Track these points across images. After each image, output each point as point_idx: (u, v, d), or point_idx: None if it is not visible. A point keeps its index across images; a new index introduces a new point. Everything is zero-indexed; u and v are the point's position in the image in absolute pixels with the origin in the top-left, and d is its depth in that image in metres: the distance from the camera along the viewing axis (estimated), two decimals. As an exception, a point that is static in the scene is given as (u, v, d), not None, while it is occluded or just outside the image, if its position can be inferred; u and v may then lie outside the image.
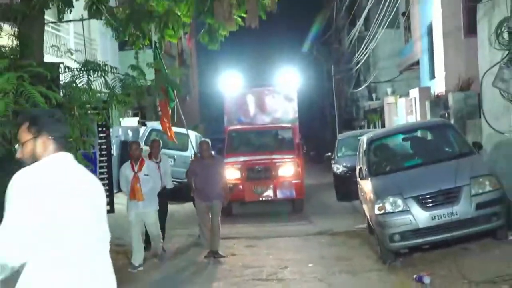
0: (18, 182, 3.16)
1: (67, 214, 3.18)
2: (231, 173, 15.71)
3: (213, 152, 12.38)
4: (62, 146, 3.41)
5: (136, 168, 10.08)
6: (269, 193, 16.24)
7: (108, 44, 23.38)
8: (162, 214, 11.17)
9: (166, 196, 11.50)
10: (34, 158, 3.30)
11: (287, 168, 16.53)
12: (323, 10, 47.40)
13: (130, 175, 10.09)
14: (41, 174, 3.22)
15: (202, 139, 12.35)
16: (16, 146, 3.40)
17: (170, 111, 13.51)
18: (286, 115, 18.81)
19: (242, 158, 16.72)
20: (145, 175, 10.02)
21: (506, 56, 6.46)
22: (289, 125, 18.35)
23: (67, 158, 3.40)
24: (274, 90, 19.21)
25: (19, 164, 3.38)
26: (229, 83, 19.17)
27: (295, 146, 17.63)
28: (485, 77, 10.26)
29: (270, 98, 19.02)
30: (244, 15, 12.52)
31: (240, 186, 16.19)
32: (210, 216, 10.96)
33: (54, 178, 3.24)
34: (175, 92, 12.99)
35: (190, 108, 33.81)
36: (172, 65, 27.54)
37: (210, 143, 11.42)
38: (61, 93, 8.98)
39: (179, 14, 12.29)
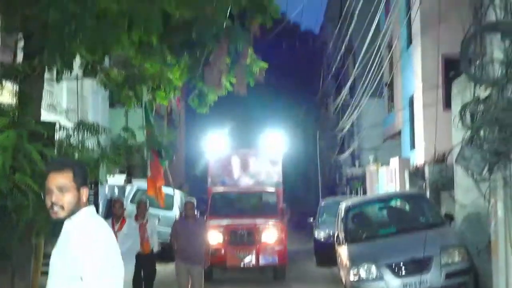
0: (104, 235, 3.45)
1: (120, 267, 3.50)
2: (213, 236, 15.39)
3: (198, 213, 12.74)
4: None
5: (116, 227, 9.88)
6: (252, 259, 15.77)
7: (99, 101, 23.93)
8: (150, 275, 11.23)
9: (153, 257, 11.52)
10: (72, 208, 3.44)
11: (270, 233, 16.16)
12: (311, 76, 48.61)
13: None
14: (108, 228, 3.54)
15: (188, 198, 12.23)
16: (55, 190, 3.42)
17: (162, 172, 13.76)
18: (270, 178, 18.63)
19: (224, 221, 16.34)
20: (124, 234, 9.82)
21: (468, 135, 7.03)
22: (273, 189, 18.12)
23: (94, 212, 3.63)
24: (259, 152, 19.18)
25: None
26: (214, 144, 19.10)
27: (279, 210, 17.35)
28: (456, 151, 10.84)
29: (255, 160, 18.85)
30: (233, 81, 13.16)
31: (222, 251, 15.75)
32: (189, 280, 10.85)
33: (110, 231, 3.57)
34: (163, 153, 13.39)
35: (176, 167, 34.19)
36: (161, 125, 28.13)
37: (195, 203, 11.51)
38: (55, 150, 9.44)
39: (171, 77, 12.91)
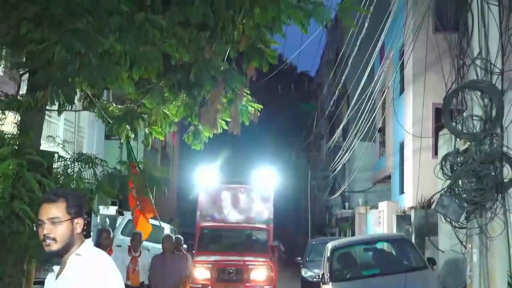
0: (113, 274, 3.40)
1: None
2: (201, 272, 15.35)
3: (184, 247, 12.92)
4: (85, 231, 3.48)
5: None
6: None
7: (95, 132, 24.31)
8: None
9: None
10: (66, 240, 3.34)
11: (260, 272, 15.86)
12: (305, 117, 49.17)
13: None
14: (113, 264, 3.49)
15: (166, 234, 12.27)
16: (46, 222, 3.36)
17: (151, 203, 13.98)
18: (260, 215, 18.17)
19: (213, 258, 16.12)
20: None
21: (447, 185, 7.45)
22: (264, 226, 17.76)
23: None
24: (250, 188, 18.61)
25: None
26: (204, 177, 18.61)
27: (269, 248, 17.04)
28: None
29: (246, 196, 18.37)
30: (228, 119, 13.56)
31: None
32: None
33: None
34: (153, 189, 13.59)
35: (168, 201, 34.41)
36: (155, 159, 28.47)
37: (173, 239, 11.55)
38: (53, 180, 9.76)
39: (168, 113, 13.30)
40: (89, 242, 3.48)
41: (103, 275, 3.34)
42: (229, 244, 17.47)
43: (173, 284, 10.65)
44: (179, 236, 12.98)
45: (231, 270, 15.76)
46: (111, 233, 10.32)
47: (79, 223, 3.39)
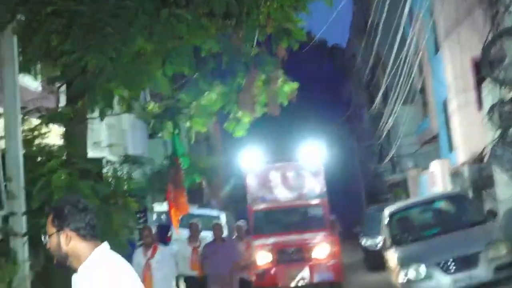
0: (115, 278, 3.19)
1: None
2: (260, 256, 14.63)
3: (245, 231, 12.83)
4: (91, 236, 3.25)
5: (148, 254, 9.42)
6: (305, 276, 14.92)
7: (138, 133, 24.58)
8: None
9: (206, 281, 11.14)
10: (57, 253, 3.22)
11: (322, 249, 15.27)
12: (343, 89, 48.85)
13: (142, 262, 9.36)
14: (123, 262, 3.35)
15: (215, 221, 12.10)
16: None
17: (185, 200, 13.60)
18: (313, 190, 17.37)
19: (271, 240, 15.58)
20: (157, 262, 9.31)
21: (497, 135, 7.29)
22: (318, 201, 17.12)
23: (106, 248, 3.34)
24: (298, 165, 17.88)
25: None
26: (250, 160, 17.90)
27: (328, 223, 16.41)
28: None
29: (295, 173, 17.59)
30: (266, 101, 13.56)
31: (272, 271, 14.99)
32: None
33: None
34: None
35: (219, 190, 34.63)
36: (200, 151, 28.64)
37: (222, 225, 11.57)
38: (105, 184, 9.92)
39: (206, 104, 13.36)
40: (96, 252, 3.24)
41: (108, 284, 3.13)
42: (285, 224, 16.82)
43: (227, 272, 10.38)
44: (239, 224, 12.73)
45: (291, 251, 15.28)
46: (153, 229, 9.81)
47: (67, 234, 3.18)
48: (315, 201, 17.17)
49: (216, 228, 10.94)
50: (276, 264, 15.03)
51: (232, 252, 10.71)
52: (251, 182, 17.79)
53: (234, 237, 12.34)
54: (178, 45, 9.41)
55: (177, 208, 13.49)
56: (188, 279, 11.38)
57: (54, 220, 3.21)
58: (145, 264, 9.19)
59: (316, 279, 14.94)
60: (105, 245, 3.34)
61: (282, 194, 17.43)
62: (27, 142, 9.39)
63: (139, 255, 9.42)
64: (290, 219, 17.06)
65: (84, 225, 3.23)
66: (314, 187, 17.45)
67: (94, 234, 3.28)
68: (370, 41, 25.73)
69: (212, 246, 10.84)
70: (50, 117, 9.99)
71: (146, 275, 9.04)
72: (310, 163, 17.69)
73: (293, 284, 14.94)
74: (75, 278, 3.25)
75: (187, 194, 13.24)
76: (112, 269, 3.20)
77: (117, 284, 3.14)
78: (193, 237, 11.45)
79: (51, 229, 3.22)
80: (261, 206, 17.29)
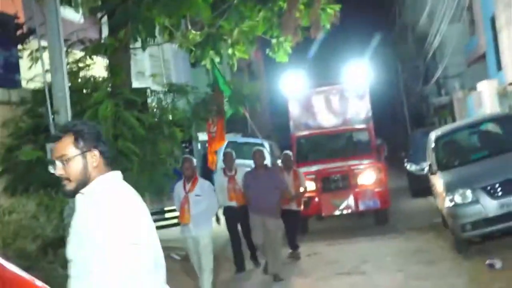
0: (130, 202, 2.95)
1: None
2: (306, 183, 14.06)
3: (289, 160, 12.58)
4: (108, 162, 3.05)
5: (187, 188, 8.92)
6: (350, 204, 14.26)
7: (180, 62, 24.62)
8: (248, 227, 10.36)
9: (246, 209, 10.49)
10: (80, 177, 2.96)
11: (368, 175, 14.55)
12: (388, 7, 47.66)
13: (181, 194, 8.98)
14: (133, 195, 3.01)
15: (256, 148, 10.99)
16: (57, 162, 2.98)
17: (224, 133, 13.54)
18: (358, 114, 16.49)
19: (314, 167, 14.86)
20: (196, 195, 8.80)
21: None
22: (364, 126, 16.33)
23: (120, 177, 3.08)
24: (342, 88, 16.73)
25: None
26: (292, 84, 16.84)
27: (374, 149, 15.77)
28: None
29: (339, 97, 16.65)
30: (308, 26, 13.32)
31: (316, 199, 14.28)
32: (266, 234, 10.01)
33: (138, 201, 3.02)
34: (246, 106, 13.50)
35: (262, 117, 34.71)
36: (242, 78, 28.58)
37: (264, 152, 10.80)
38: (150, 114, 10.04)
39: (248, 30, 13.20)
40: (107, 176, 2.99)
41: (107, 213, 2.87)
42: (329, 151, 16.10)
43: (273, 199, 9.92)
44: (287, 152, 12.28)
45: (336, 178, 14.54)
46: (194, 161, 9.04)
47: (95, 155, 2.95)
48: (360, 126, 16.35)
49: (257, 155, 10.31)
50: (321, 192, 14.29)
51: (275, 179, 10.20)
52: (294, 108, 16.89)
53: (280, 166, 11.99)
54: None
55: (213, 139, 13.35)
56: (226, 210, 10.82)
57: (77, 140, 2.94)
58: (184, 197, 8.84)
59: (361, 207, 14.32)
60: (119, 174, 3.07)
61: (326, 120, 16.55)
62: (73, 75, 9.51)
63: (179, 187, 9.05)
64: (334, 145, 16.39)
65: (107, 149, 3.06)
66: (359, 111, 16.53)
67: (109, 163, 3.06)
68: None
69: (253, 173, 10.35)
70: (93, 48, 10.08)
71: (183, 209, 8.77)
72: (354, 85, 16.58)
73: (337, 213, 14.48)
74: (80, 200, 3.01)
75: (230, 124, 13.09)
76: (124, 199, 2.93)
77: (126, 215, 2.87)
78: (228, 166, 10.87)
79: (71, 151, 2.94)
80: (304, 132, 16.51)
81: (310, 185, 13.81)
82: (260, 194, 9.85)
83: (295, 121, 16.75)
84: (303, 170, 13.72)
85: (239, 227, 10.88)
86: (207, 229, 8.85)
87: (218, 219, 10.44)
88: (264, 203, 9.83)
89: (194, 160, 9.10)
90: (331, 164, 14.86)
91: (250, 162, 19.18)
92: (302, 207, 12.12)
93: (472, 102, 21.89)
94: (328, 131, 16.37)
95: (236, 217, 10.68)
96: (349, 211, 14.39)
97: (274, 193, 9.94)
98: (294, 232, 11.89)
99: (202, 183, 8.97)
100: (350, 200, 14.21)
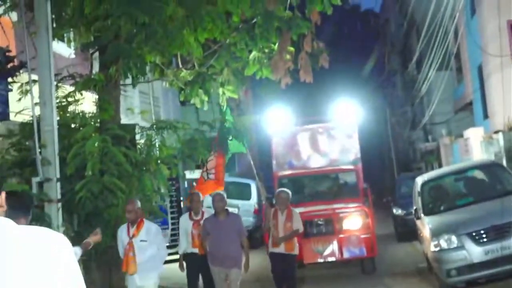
0: None
1: None
2: None
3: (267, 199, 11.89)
4: None
5: (131, 232, 8.06)
6: (333, 252, 13.10)
7: (170, 100, 24.73)
8: (210, 282, 9.51)
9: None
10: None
11: (354, 220, 13.42)
12: (374, 54, 48.27)
13: (125, 240, 8.11)
14: None
15: (215, 192, 10.13)
16: None
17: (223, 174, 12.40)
18: (346, 155, 15.46)
19: (297, 210, 12.42)
20: (141, 241, 8.00)
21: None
22: (351, 167, 15.24)
23: None
24: (330, 126, 15.78)
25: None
26: (276, 120, 15.81)
27: (361, 192, 14.63)
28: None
29: (326, 136, 15.63)
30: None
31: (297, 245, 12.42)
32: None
33: None
34: (244, 143, 13.16)
35: (252, 156, 34.54)
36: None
37: (224, 195, 9.62)
38: (137, 151, 10.03)
39: (239, 70, 13.30)
40: None
41: None
42: (313, 192, 15.15)
43: (235, 248, 9.17)
44: (284, 190, 10.76)
45: (319, 222, 13.42)
46: (138, 203, 8.22)
47: None
48: (347, 167, 15.27)
49: (217, 199, 9.33)
50: (302, 238, 12.35)
51: (236, 226, 9.31)
52: (277, 145, 15.83)
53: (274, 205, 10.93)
54: (211, 10, 9.37)
55: (208, 182, 11.96)
56: (188, 257, 9.81)
57: None
58: (128, 243, 7.97)
59: (346, 254, 13.12)
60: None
61: (311, 160, 15.51)
62: (62, 109, 9.52)
63: (122, 231, 8.19)
64: (319, 187, 15.34)
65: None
66: (347, 151, 15.51)
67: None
68: (405, 5, 25.30)
69: (213, 220, 9.35)
70: (83, 83, 10.10)
71: (127, 256, 7.94)
72: (343, 123, 15.61)
73: (320, 260, 13.28)
74: None
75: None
76: None
77: None
78: (194, 209, 9.74)
79: None
80: (287, 172, 15.38)
81: None
82: (221, 242, 9.07)
83: (278, 160, 15.79)
84: None
85: (200, 278, 9.93)
86: (153, 280, 8.14)
87: (181, 266, 9.94)
88: (225, 252, 9.07)
89: (138, 202, 8.21)
90: (314, 207, 13.80)
91: (238, 202, 19.20)
92: (296, 251, 10.49)
93: (458, 148, 22.06)
94: (312, 171, 15.42)
95: (198, 266, 9.59)
96: (333, 259, 13.26)
97: (236, 241, 9.22)
98: (291, 282, 10.36)
99: (148, 226, 8.14)
100: (334, 247, 13.13)
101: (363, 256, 13.31)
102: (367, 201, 14.38)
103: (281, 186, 14.05)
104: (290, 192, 10.45)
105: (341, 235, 13.21)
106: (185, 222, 9.88)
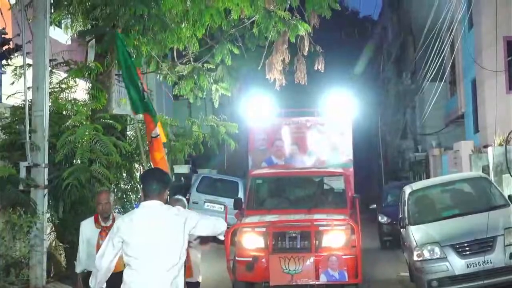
0: None
1: None
2: (250, 240, 10.67)
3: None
4: None
5: (101, 227, 6.84)
6: (308, 273, 10.27)
7: (163, 93, 24.69)
8: None
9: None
10: None
11: (337, 236, 10.64)
12: (371, 62, 48.40)
13: (92, 238, 6.83)
14: None
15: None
16: None
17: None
18: (335, 156, 13.15)
19: (268, 218, 11.10)
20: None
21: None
22: (339, 170, 12.70)
23: None
24: (319, 121, 13.51)
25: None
26: (256, 110, 13.42)
27: (348, 201, 11.97)
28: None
29: (314, 132, 13.32)
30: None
31: (263, 261, 10.40)
32: None
33: None
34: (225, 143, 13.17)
35: (240, 156, 34.64)
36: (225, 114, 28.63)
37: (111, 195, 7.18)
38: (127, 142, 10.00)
39: (233, 67, 13.34)
40: None
41: None
42: (291, 198, 12.46)
43: None
44: (179, 198, 7.10)
45: (294, 235, 10.61)
46: (112, 195, 6.95)
47: None
48: (336, 170, 12.73)
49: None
50: (271, 253, 10.40)
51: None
52: (255, 139, 13.46)
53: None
54: (211, 6, 9.37)
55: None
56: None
57: None
58: (96, 241, 6.73)
59: (323, 278, 10.33)
60: None
61: (295, 158, 13.25)
62: (54, 95, 9.48)
63: (87, 226, 6.92)
64: (299, 191, 12.61)
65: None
66: (338, 151, 13.21)
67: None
68: (403, 14, 25.37)
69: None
70: (78, 70, 10.07)
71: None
72: (335, 119, 13.35)
73: (290, 283, 10.35)
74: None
75: (206, 160, 12.50)
76: None
77: None
78: (102, 212, 6.91)
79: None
80: (264, 171, 13.00)
81: (257, 242, 10.65)
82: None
83: (255, 156, 13.41)
84: (252, 219, 11.18)
85: None
86: None
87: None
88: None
89: (113, 194, 7.19)
90: (290, 216, 11.22)
91: (224, 200, 18.97)
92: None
93: (447, 160, 22.14)
94: (293, 172, 12.91)
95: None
96: (306, 282, 10.32)
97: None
98: None
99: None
100: (309, 268, 10.30)
101: (344, 281, 10.48)
102: (355, 213, 11.68)
103: (254, 188, 12.44)
104: (185, 200, 6.82)
105: (320, 254, 10.41)
106: (88, 229, 6.96)
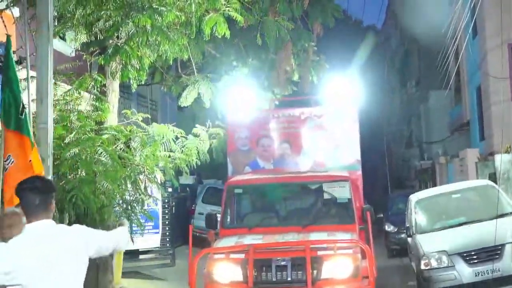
0: None
1: None
2: (224, 271, 8.16)
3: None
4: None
5: None
6: None
7: (167, 103, 24.72)
8: None
9: None
10: None
11: (342, 263, 8.00)
12: (375, 71, 48.33)
13: None
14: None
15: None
16: None
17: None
18: (338, 156, 10.40)
19: (248, 239, 8.49)
20: None
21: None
22: (345, 174, 9.77)
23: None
24: (317, 112, 10.74)
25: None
26: (237, 101, 10.85)
27: (357, 214, 9.22)
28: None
29: (311, 126, 10.60)
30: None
31: None
32: None
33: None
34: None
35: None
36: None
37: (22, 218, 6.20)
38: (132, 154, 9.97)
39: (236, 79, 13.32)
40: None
41: None
42: (281, 212, 9.84)
43: None
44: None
45: (283, 262, 8.00)
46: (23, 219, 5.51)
47: None
48: (339, 175, 9.72)
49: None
50: (252, 287, 7.91)
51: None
52: (235, 137, 10.72)
53: None
54: (214, 16, 9.37)
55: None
56: None
57: None
58: None
59: None
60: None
61: (287, 160, 10.56)
62: (58, 107, 9.46)
63: None
64: (292, 204, 10.03)
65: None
66: (342, 150, 10.43)
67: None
68: (406, 23, 25.38)
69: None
70: (81, 82, 10.05)
71: None
72: (337, 109, 10.59)
73: None
74: None
75: (211, 170, 12.19)
76: None
77: None
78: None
79: None
80: (244, 177, 10.11)
81: (235, 273, 8.09)
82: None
83: (235, 159, 10.65)
84: (228, 242, 8.60)
85: None
86: None
87: None
88: None
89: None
90: (279, 237, 8.52)
91: (218, 208, 18.55)
92: None
93: (453, 168, 22.05)
94: (284, 178, 9.99)
95: None
96: None
97: None
98: None
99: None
100: None
101: None
102: (366, 230, 9.14)
103: (231, 199, 9.71)
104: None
105: (318, 287, 7.84)
106: None
